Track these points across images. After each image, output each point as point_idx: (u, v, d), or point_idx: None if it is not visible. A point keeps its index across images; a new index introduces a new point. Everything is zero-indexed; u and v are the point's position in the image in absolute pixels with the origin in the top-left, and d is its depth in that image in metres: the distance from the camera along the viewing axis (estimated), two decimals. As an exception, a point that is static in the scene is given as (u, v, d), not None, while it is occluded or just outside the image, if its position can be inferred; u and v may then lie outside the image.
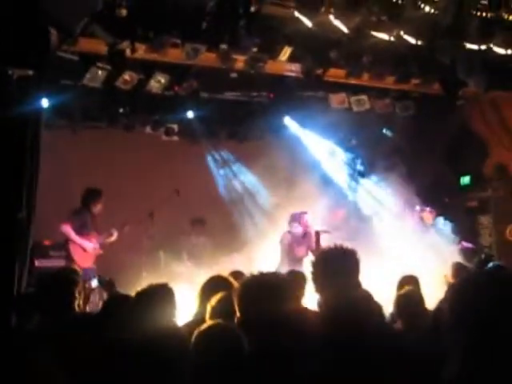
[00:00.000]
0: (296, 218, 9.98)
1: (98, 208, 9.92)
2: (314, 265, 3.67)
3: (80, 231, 9.67)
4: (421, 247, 9.77)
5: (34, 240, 9.52)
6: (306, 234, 9.93)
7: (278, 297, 3.03)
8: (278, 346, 2.84)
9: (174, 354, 3.08)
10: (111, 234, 10.04)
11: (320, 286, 3.58)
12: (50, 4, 7.20)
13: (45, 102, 9.20)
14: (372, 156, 12.30)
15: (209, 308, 4.13)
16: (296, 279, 5.87)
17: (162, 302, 4.48)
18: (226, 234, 10.99)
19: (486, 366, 1.50)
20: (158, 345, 3.09)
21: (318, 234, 9.82)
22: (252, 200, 12.08)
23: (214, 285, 4.90)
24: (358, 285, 3.50)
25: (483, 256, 7.62)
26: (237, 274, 5.58)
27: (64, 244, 9.68)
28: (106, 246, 9.99)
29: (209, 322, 3.58)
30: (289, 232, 9.93)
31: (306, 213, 10.04)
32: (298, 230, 9.88)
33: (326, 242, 9.40)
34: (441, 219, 10.83)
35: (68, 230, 9.62)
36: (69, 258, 9.52)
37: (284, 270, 8.13)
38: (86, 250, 9.67)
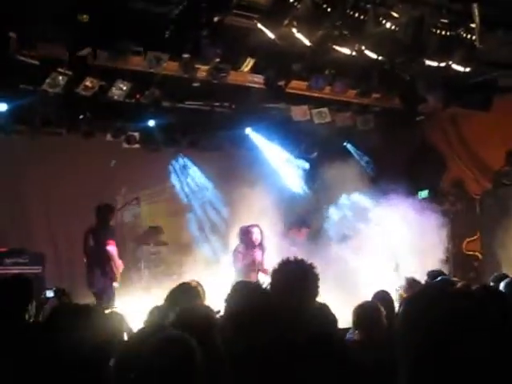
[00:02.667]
0: (244, 232, 9.64)
1: (113, 221, 9.87)
2: (271, 277, 3.66)
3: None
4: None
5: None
6: (257, 246, 9.69)
7: None
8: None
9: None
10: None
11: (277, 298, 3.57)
12: (9, 7, 7.11)
13: (2, 107, 9.08)
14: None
15: (173, 316, 4.11)
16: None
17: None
18: (183, 244, 10.95)
19: (431, 380, 1.52)
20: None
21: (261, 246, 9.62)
22: (211, 210, 12.05)
23: (182, 291, 4.91)
24: (312, 299, 3.50)
25: (435, 271, 7.69)
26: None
27: (106, 262, 9.44)
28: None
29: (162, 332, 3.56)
30: (239, 245, 9.62)
31: (255, 226, 9.66)
32: (254, 237, 9.64)
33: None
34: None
35: (113, 249, 9.53)
36: (112, 277, 9.40)
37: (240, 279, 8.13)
38: (118, 268, 9.61)
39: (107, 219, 9.71)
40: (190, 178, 12.18)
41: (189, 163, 12.12)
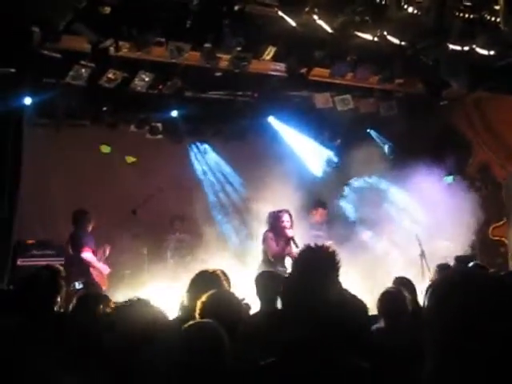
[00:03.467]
0: (274, 218, 9.23)
1: (91, 227, 9.86)
2: (293, 263, 3.66)
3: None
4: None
5: (17, 239, 9.51)
6: (286, 232, 9.44)
7: None
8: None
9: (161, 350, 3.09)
10: (105, 250, 9.98)
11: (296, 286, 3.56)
12: (32, 1, 7.17)
13: (27, 101, 9.17)
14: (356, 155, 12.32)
15: (199, 304, 4.13)
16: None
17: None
18: (209, 233, 10.98)
19: (456, 364, 1.52)
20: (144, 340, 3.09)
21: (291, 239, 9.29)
22: (236, 199, 12.07)
23: (203, 280, 4.91)
24: (334, 286, 3.49)
25: (464, 256, 7.64)
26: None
27: (85, 270, 9.44)
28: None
29: (192, 321, 3.61)
30: (269, 231, 9.22)
31: (284, 211, 9.27)
32: (289, 232, 9.12)
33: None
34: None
35: (90, 256, 9.54)
36: (94, 283, 9.35)
37: (266, 268, 8.04)
38: (102, 273, 9.65)
39: (83, 225, 9.75)
40: (213, 167, 12.19)
41: (211, 152, 12.12)
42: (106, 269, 9.73)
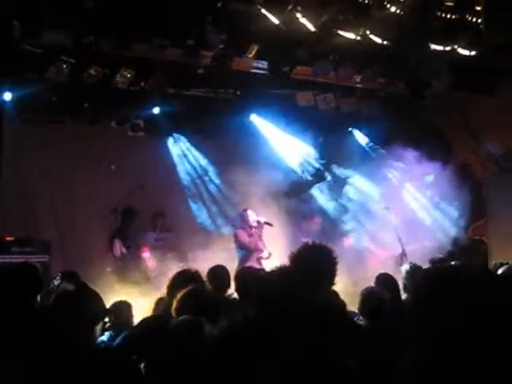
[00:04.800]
0: (243, 217, 9.86)
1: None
2: (289, 260, 3.66)
3: None
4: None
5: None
6: (254, 227, 9.75)
7: None
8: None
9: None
10: None
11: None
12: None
13: (7, 96, 9.07)
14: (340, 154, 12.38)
15: (174, 303, 4.16)
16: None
17: None
18: (190, 230, 10.95)
19: (437, 362, 1.52)
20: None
21: (260, 223, 9.69)
22: (217, 196, 12.04)
23: (183, 279, 4.93)
24: (330, 282, 3.51)
25: (439, 257, 7.68)
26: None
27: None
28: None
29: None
30: (237, 229, 9.80)
31: (244, 211, 9.89)
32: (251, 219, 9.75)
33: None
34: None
35: (148, 255, 10.17)
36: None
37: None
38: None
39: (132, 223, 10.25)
40: (195, 165, 12.13)
41: (192, 149, 12.07)
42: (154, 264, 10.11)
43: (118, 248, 10.15)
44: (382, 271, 7.15)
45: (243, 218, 9.67)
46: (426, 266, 7.10)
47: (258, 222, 9.56)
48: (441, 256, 8.08)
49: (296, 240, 9.91)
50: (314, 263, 3.55)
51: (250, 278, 5.53)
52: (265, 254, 9.47)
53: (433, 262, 7.34)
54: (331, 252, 3.65)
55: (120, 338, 4.73)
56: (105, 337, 5.66)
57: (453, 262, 7.01)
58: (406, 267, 6.74)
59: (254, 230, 9.56)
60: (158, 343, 3.42)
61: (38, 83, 8.99)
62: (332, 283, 3.59)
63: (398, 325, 4.17)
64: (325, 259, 3.60)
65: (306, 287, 3.35)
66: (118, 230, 10.47)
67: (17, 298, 4.60)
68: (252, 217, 9.61)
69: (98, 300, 4.82)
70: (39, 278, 4.92)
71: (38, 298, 4.95)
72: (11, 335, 3.67)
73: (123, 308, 6.17)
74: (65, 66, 8.50)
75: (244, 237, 9.50)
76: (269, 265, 8.22)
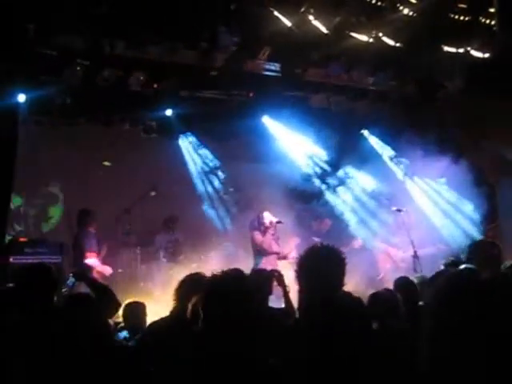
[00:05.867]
0: (259, 219, 9.63)
1: (94, 227, 9.86)
2: (298, 263, 3.67)
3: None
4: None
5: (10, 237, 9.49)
6: (267, 227, 9.73)
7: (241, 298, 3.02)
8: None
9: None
10: (103, 249, 10.00)
11: (301, 286, 3.57)
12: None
13: (21, 98, 9.13)
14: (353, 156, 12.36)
15: (190, 306, 4.17)
16: (260, 279, 5.75)
17: None
18: (202, 233, 10.97)
19: (453, 366, 1.53)
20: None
21: (272, 223, 9.64)
22: (229, 199, 12.04)
23: (192, 282, 4.90)
24: (340, 286, 3.51)
25: (454, 258, 7.63)
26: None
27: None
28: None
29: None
30: (253, 230, 9.63)
31: (261, 213, 9.67)
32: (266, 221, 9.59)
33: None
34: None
35: (93, 261, 9.57)
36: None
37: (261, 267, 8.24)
38: (105, 275, 9.63)
39: (85, 226, 9.78)
40: (207, 166, 12.14)
41: (205, 151, 12.08)
42: (107, 270, 9.75)
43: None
44: (395, 274, 7.14)
45: (259, 220, 9.64)
46: (438, 268, 7.08)
47: (271, 222, 9.55)
48: (454, 259, 8.03)
49: (307, 240, 9.94)
50: (323, 264, 3.55)
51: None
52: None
53: (447, 265, 7.29)
54: (339, 252, 3.64)
55: (134, 340, 4.75)
56: (121, 336, 5.69)
57: (466, 266, 6.99)
58: (416, 281, 6.72)
59: (268, 230, 9.55)
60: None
61: (53, 85, 9.05)
62: (342, 283, 3.58)
63: (411, 329, 4.17)
64: (333, 259, 3.59)
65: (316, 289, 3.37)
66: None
67: (33, 297, 4.63)
68: (267, 218, 9.59)
69: (111, 297, 4.86)
70: (54, 279, 4.94)
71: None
72: (29, 335, 3.71)
73: (137, 308, 6.20)
74: (79, 69, 8.55)
75: (258, 238, 9.49)
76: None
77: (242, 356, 2.72)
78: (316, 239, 10.55)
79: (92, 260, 9.56)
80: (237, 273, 3.44)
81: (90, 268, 9.43)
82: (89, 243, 9.65)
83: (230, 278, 3.14)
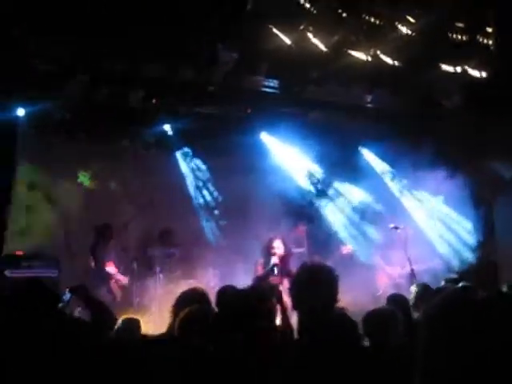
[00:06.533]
0: (267, 250, 8.71)
1: (112, 240, 10.24)
2: (292, 283, 3.67)
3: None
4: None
5: (6, 251, 9.47)
6: (282, 258, 9.08)
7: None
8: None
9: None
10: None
11: (296, 304, 3.57)
12: (27, 15, 7.19)
13: (21, 112, 9.15)
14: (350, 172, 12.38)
15: (177, 321, 4.17)
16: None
17: None
18: (199, 247, 10.95)
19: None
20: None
21: (287, 256, 9.03)
22: (226, 214, 12.01)
23: (188, 298, 4.89)
24: (334, 304, 3.51)
25: (453, 278, 7.65)
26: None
27: (106, 281, 9.86)
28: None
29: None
30: (260, 257, 8.79)
31: (274, 238, 8.80)
32: (274, 259, 8.53)
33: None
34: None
35: (113, 269, 9.99)
36: (111, 294, 9.77)
37: None
38: (123, 283, 10.06)
39: (105, 239, 10.06)
40: (205, 182, 12.15)
41: (203, 166, 12.09)
42: (125, 279, 10.15)
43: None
44: (392, 290, 7.14)
45: (267, 245, 8.71)
46: (438, 284, 7.09)
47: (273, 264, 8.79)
48: (454, 276, 8.05)
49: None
50: (314, 285, 3.53)
51: (228, 294, 5.42)
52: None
53: (446, 281, 7.31)
54: (331, 271, 3.63)
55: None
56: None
57: (464, 283, 7.01)
58: (414, 287, 6.72)
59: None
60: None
61: (52, 100, 9.08)
62: (334, 303, 3.57)
63: (407, 347, 4.16)
64: (324, 280, 3.58)
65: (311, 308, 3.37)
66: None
67: (31, 313, 4.60)
68: (276, 245, 8.62)
69: (107, 312, 4.85)
70: (51, 295, 4.91)
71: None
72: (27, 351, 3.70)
73: (132, 324, 6.18)
74: (79, 84, 8.58)
75: (257, 270, 8.93)
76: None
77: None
78: (298, 250, 10.47)
79: (111, 268, 9.97)
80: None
81: (109, 275, 9.86)
82: (108, 255, 10.03)
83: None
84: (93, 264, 9.94)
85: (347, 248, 10.47)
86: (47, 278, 8.73)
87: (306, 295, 3.46)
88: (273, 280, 8.33)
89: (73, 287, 5.53)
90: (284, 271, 8.41)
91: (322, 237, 11.46)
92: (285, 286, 7.25)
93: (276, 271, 8.41)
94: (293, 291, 3.58)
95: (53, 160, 10.40)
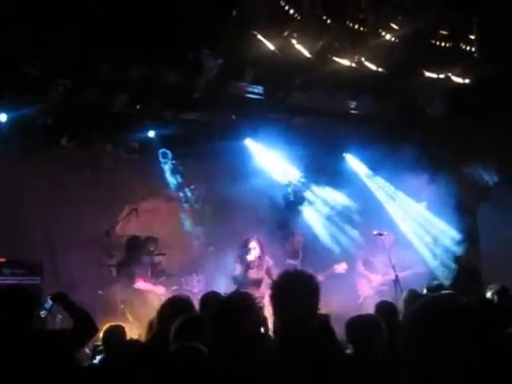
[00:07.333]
0: (244, 245, 9.71)
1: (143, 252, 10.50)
2: (273, 289, 3.65)
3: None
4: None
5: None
6: (258, 258, 9.66)
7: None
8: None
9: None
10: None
11: (276, 311, 3.56)
12: (11, 17, 7.14)
13: (3, 117, 9.08)
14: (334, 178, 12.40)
15: (173, 328, 4.17)
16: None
17: None
18: (183, 254, 10.92)
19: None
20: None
21: (270, 268, 9.59)
22: (212, 220, 11.97)
23: (173, 305, 4.91)
24: (315, 312, 3.49)
25: (435, 284, 7.66)
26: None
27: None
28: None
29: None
30: (237, 256, 9.67)
31: (251, 237, 9.71)
32: (249, 257, 9.52)
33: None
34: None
35: (143, 285, 10.09)
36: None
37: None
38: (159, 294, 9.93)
39: (134, 252, 10.36)
40: (189, 188, 12.08)
41: (188, 173, 12.02)
42: (161, 290, 10.10)
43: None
44: (375, 298, 7.14)
45: (243, 245, 9.66)
46: (420, 292, 7.11)
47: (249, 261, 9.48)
48: (437, 283, 8.07)
49: (283, 262, 9.93)
50: (296, 292, 3.52)
51: (212, 300, 5.50)
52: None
53: (429, 289, 7.32)
54: (313, 279, 3.62)
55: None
56: (96, 361, 5.63)
57: (447, 291, 7.03)
58: (405, 294, 6.73)
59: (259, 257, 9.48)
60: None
61: (35, 105, 9.01)
62: (315, 311, 3.56)
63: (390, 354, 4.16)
64: (306, 287, 3.57)
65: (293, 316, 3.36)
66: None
67: (9, 321, 4.55)
68: (252, 245, 9.54)
69: (89, 321, 4.81)
70: (31, 302, 4.86)
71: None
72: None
73: (117, 331, 6.15)
74: (61, 88, 8.52)
75: (238, 270, 9.49)
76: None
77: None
78: (291, 262, 10.53)
79: (141, 283, 10.02)
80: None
81: (140, 291, 9.97)
82: (136, 270, 10.20)
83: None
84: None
85: (341, 266, 10.46)
86: (30, 284, 8.66)
87: (285, 302, 3.44)
88: (257, 293, 8.53)
89: (54, 294, 5.50)
90: (269, 284, 8.59)
91: (318, 250, 11.46)
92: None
93: (252, 266, 9.29)
94: (272, 298, 3.56)
95: (34, 165, 10.32)
